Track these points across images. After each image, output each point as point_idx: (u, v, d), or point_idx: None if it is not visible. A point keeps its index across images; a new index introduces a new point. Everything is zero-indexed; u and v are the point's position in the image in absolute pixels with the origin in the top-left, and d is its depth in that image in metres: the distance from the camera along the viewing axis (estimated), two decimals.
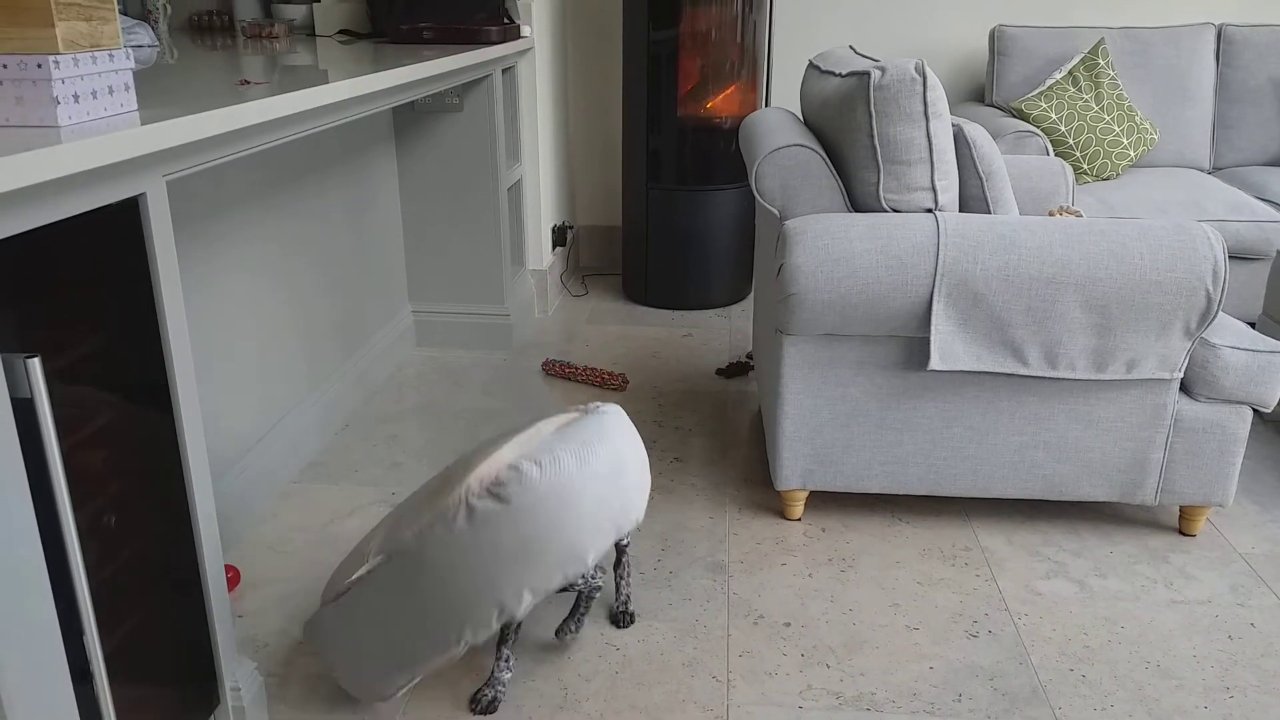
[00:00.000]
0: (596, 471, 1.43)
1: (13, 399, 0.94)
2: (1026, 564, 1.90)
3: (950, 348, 1.80)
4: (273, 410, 2.18)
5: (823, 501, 2.11)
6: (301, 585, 1.84)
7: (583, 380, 2.76)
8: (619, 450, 1.50)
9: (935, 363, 1.80)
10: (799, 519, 2.05)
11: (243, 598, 1.79)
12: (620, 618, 1.72)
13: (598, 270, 3.85)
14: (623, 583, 1.73)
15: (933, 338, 1.79)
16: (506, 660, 1.53)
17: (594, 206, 3.87)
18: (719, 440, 2.41)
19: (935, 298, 1.77)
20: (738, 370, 2.79)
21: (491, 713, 1.52)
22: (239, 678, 1.40)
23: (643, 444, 1.62)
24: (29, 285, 1.00)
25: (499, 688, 1.53)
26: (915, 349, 1.85)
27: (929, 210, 1.86)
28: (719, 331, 3.18)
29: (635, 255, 3.43)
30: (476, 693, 1.54)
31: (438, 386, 2.74)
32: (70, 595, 1.05)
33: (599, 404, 1.63)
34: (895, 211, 1.87)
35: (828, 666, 1.61)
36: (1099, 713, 1.51)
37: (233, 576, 1.84)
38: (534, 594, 1.38)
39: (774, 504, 2.11)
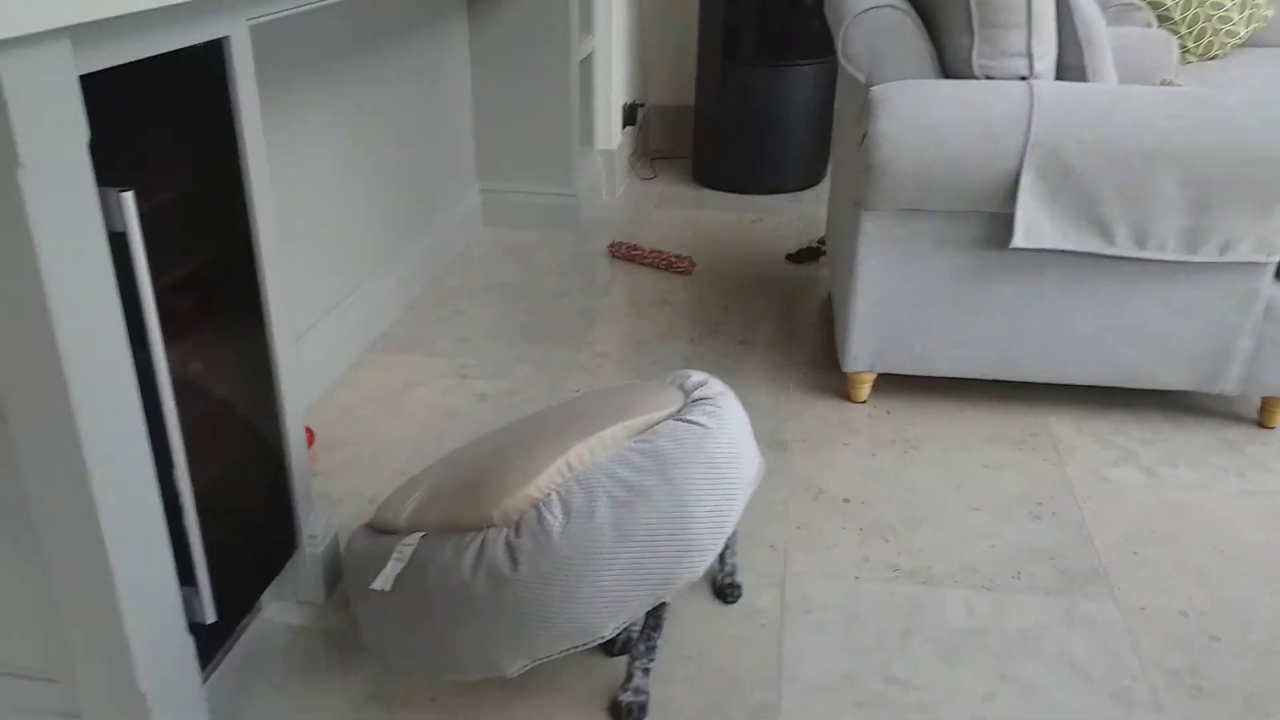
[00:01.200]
0: (642, 525, 1.15)
1: (108, 233, 0.97)
2: (1095, 451, 1.87)
3: (1035, 224, 1.74)
4: (344, 281, 2.22)
5: (889, 386, 2.09)
6: (372, 450, 1.89)
7: (649, 263, 2.75)
8: (694, 481, 1.20)
9: (1018, 240, 1.75)
10: (864, 402, 2.04)
11: (316, 458, 1.86)
12: (726, 591, 1.49)
13: (666, 154, 3.78)
14: (728, 552, 1.50)
15: (1018, 213, 1.73)
16: (644, 664, 1.29)
17: (665, 85, 3.78)
18: (786, 324, 2.39)
19: (1024, 170, 1.70)
20: (808, 256, 2.75)
21: (642, 718, 1.28)
22: (315, 527, 1.46)
23: (750, 457, 1.31)
24: (120, 123, 1.01)
25: (640, 695, 1.29)
26: (998, 226, 1.79)
27: (1023, 78, 1.77)
28: (790, 217, 3.12)
29: (707, 136, 3.36)
30: (615, 702, 1.30)
31: (505, 265, 2.76)
32: (161, 434, 1.09)
33: (709, 388, 1.36)
34: (988, 79, 1.78)
35: (886, 541, 1.62)
36: (1159, 594, 1.50)
37: (308, 437, 1.91)
38: (532, 660, 1.18)
39: (839, 387, 2.10)
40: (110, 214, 1.00)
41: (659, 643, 1.29)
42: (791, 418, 1.98)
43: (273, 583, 1.43)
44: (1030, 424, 1.96)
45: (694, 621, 1.45)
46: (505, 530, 1.17)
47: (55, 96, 0.89)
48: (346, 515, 1.69)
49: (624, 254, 2.79)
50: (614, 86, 3.19)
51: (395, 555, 1.22)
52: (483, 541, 1.16)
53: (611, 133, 3.22)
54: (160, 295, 1.08)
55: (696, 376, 1.41)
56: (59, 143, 0.90)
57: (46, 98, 0.88)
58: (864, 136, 1.77)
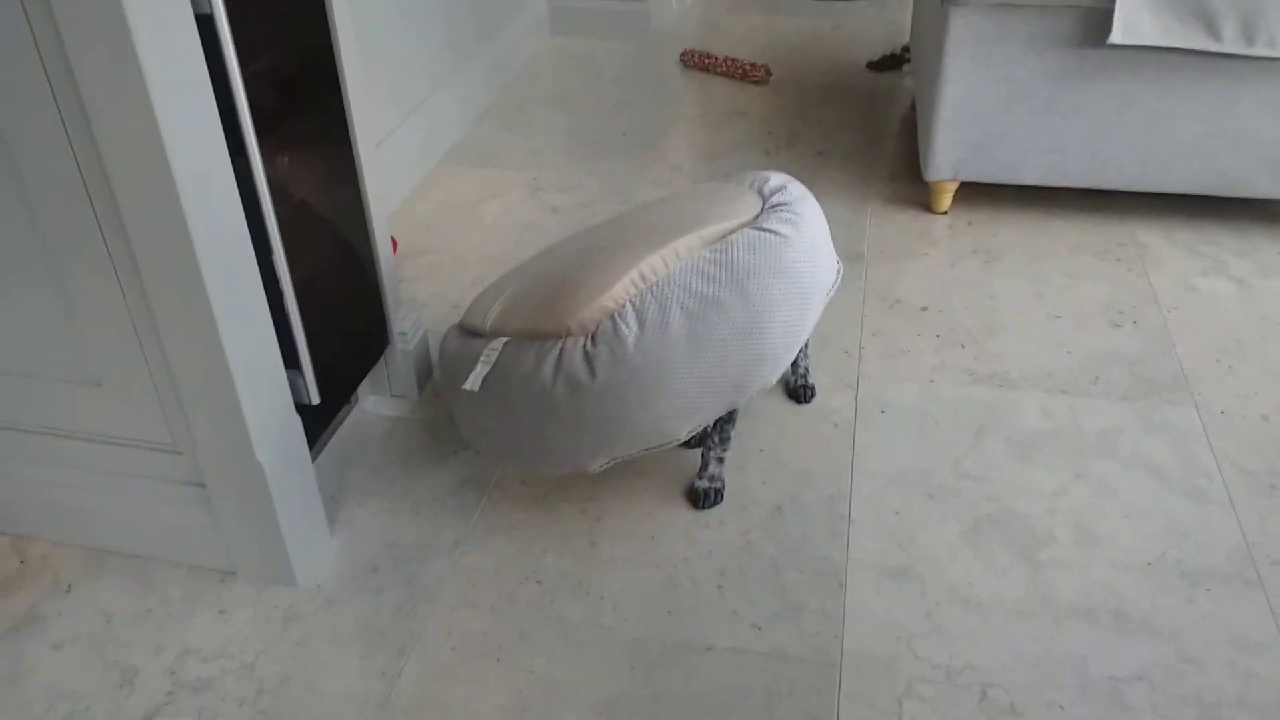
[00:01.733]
0: (716, 335, 1.17)
1: (195, 15, 0.97)
2: (1185, 261, 1.82)
3: (1135, 18, 1.64)
4: (414, 93, 2.19)
5: (971, 196, 2.04)
6: (452, 257, 1.93)
7: (723, 72, 2.66)
8: (769, 291, 1.20)
9: (1117, 35, 1.65)
10: (945, 212, 1.99)
11: (400, 264, 1.90)
12: (800, 392, 1.52)
13: None
14: (801, 355, 1.51)
15: (1117, 6, 1.63)
16: (719, 453, 1.35)
17: None
18: (865, 135, 2.32)
19: None
20: (890, 64, 2.63)
21: (717, 503, 1.35)
22: (405, 325, 1.51)
23: (827, 264, 1.31)
24: None
25: (715, 482, 1.35)
26: (1094, 21, 1.69)
27: None
28: (871, 23, 2.98)
29: None
30: (692, 488, 1.36)
31: (573, 76, 2.70)
32: (258, 220, 1.13)
33: (788, 193, 1.33)
34: None
35: (963, 347, 1.63)
36: (1241, 401, 1.50)
37: (392, 244, 1.94)
38: (612, 459, 1.22)
39: (920, 198, 2.05)
40: None
41: (732, 434, 1.34)
42: (870, 229, 1.96)
43: (368, 377, 1.50)
44: (1117, 234, 1.91)
45: (768, 418, 1.49)
46: (583, 339, 1.19)
47: None
48: (431, 318, 1.74)
49: (696, 63, 2.70)
50: None
51: (483, 358, 1.26)
52: (561, 350, 1.19)
53: None
54: (247, 83, 1.09)
55: (775, 180, 1.38)
56: None
57: None
58: None
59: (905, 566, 1.25)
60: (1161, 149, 1.80)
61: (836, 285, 1.35)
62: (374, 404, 1.54)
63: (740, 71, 2.62)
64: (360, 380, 1.43)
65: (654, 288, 1.19)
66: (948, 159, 1.89)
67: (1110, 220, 1.95)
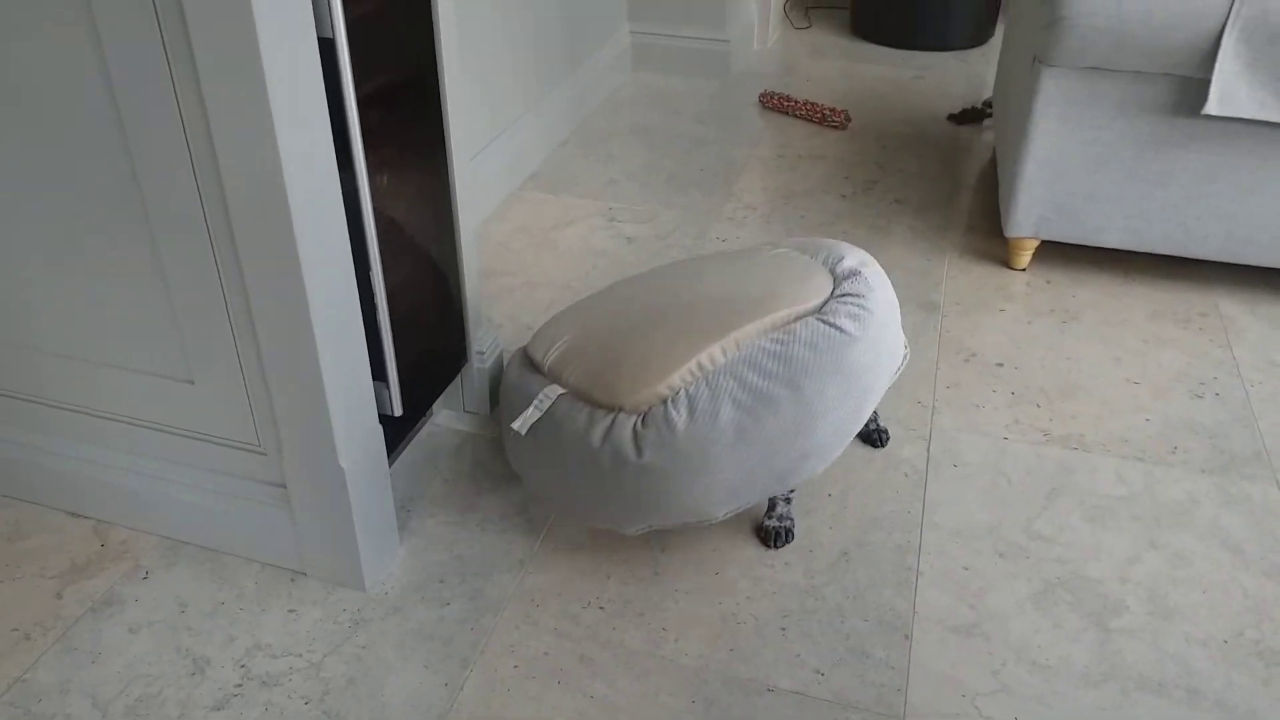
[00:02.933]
0: (765, 432, 1.17)
1: (319, 38, 1.01)
2: (1269, 335, 1.79)
3: (1232, 90, 1.63)
4: (499, 118, 2.24)
5: (1051, 255, 2.03)
6: (526, 280, 1.96)
7: (801, 115, 2.68)
8: (824, 392, 1.20)
9: (1212, 106, 1.64)
10: (1024, 269, 1.99)
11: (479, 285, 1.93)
12: (875, 437, 1.51)
13: (823, 4, 3.62)
14: None
15: (1214, 77, 1.62)
16: (787, 494, 1.35)
17: None
18: (943, 186, 2.32)
19: (1227, 32, 1.58)
20: (972, 117, 2.63)
21: (788, 542, 1.35)
22: (483, 344, 1.53)
23: (891, 356, 1.30)
24: None
25: (785, 521, 1.35)
26: (1190, 91, 1.69)
27: None
28: (954, 76, 2.98)
29: None
30: (761, 526, 1.36)
31: (653, 110, 2.74)
32: (360, 237, 1.16)
33: (859, 281, 1.30)
34: None
35: (1038, 406, 1.61)
36: None
37: None
38: (649, 528, 1.25)
39: (998, 253, 2.04)
40: (320, 19, 1.04)
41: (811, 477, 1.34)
42: (946, 280, 1.96)
43: (444, 393, 1.53)
44: (1198, 303, 1.88)
45: (839, 464, 1.49)
46: (634, 418, 1.20)
47: None
48: (506, 338, 1.77)
49: (775, 104, 2.73)
50: None
51: (536, 403, 1.27)
52: (612, 422, 1.21)
53: None
54: (358, 103, 1.13)
55: (850, 260, 1.35)
56: None
57: None
58: None
59: (973, 624, 1.24)
60: (1248, 220, 1.78)
61: (902, 369, 1.35)
62: (447, 419, 1.57)
63: (819, 115, 2.64)
64: (439, 395, 1.46)
65: (710, 376, 1.20)
66: (1029, 217, 1.89)
67: (1192, 289, 1.92)
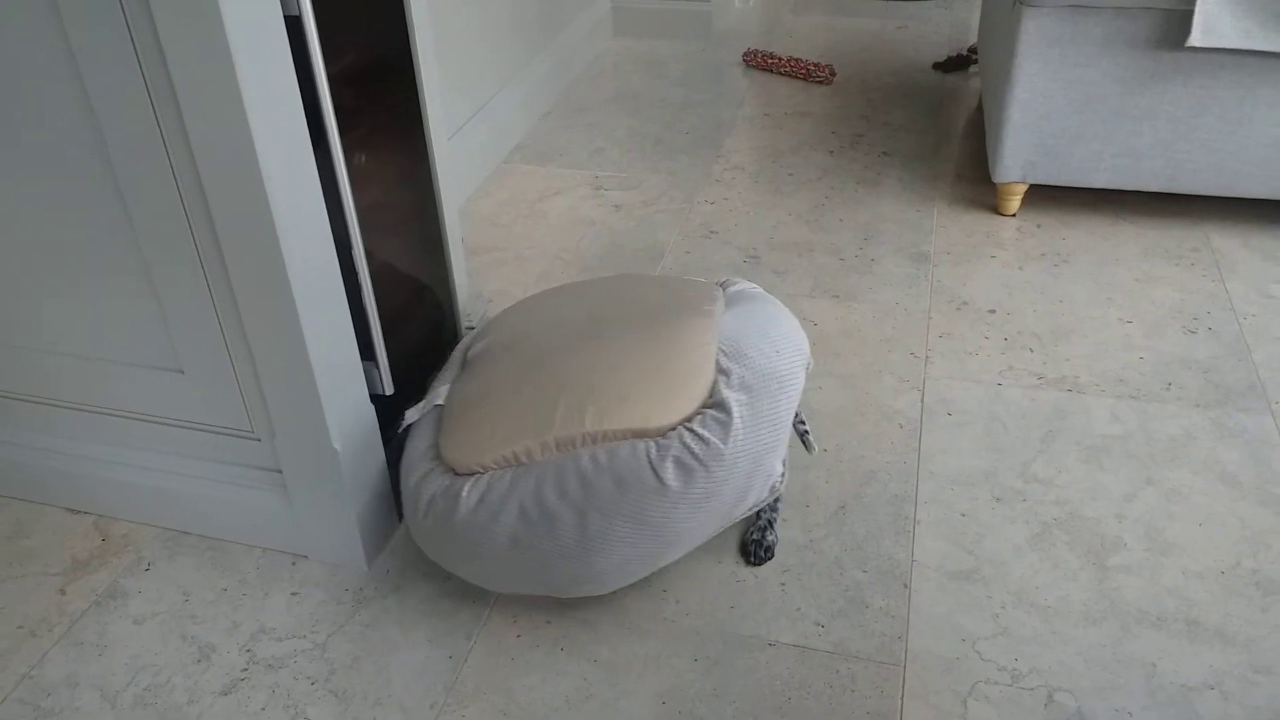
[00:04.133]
0: (537, 548, 1.11)
1: (285, 17, 1.00)
2: (1261, 267, 1.78)
3: (1216, 21, 1.61)
4: (479, 92, 2.23)
5: (1040, 198, 2.02)
6: (516, 253, 1.95)
7: (786, 72, 2.66)
8: (613, 532, 1.10)
9: (1196, 38, 1.62)
10: (1013, 215, 1.97)
11: (466, 261, 1.93)
12: (751, 548, 1.28)
13: None
14: (766, 507, 1.31)
15: (1197, 8, 1.60)
16: (769, 516, 1.29)
17: None
18: (931, 136, 2.31)
19: None
20: (957, 64, 2.61)
21: (768, 559, 1.27)
22: (473, 319, 1.53)
23: (741, 497, 1.15)
24: None
25: (768, 537, 1.27)
26: (1173, 23, 1.66)
27: None
28: (938, 24, 2.95)
29: None
30: (743, 541, 1.29)
31: (635, 76, 2.71)
32: (339, 216, 1.16)
33: (736, 402, 1.13)
34: None
35: (1031, 351, 1.61)
36: None
37: None
38: (601, 589, 1.17)
39: (987, 199, 2.03)
40: None
41: (782, 493, 1.31)
42: (936, 230, 1.94)
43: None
44: (1190, 239, 1.87)
45: (832, 417, 1.49)
46: (465, 482, 1.14)
47: None
48: (497, 312, 1.77)
49: (759, 63, 2.70)
50: None
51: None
52: (449, 480, 1.15)
53: None
54: (330, 81, 1.12)
55: (737, 374, 1.16)
56: None
57: None
58: None
59: (971, 569, 1.24)
60: (1237, 153, 1.76)
61: (770, 498, 1.19)
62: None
63: (804, 71, 2.62)
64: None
65: (515, 473, 1.12)
66: (1017, 161, 1.87)
67: (1183, 225, 1.91)
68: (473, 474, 1.14)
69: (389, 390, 1.28)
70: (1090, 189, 2.02)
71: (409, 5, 1.27)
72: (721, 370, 1.17)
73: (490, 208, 2.12)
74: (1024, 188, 1.93)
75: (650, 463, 1.09)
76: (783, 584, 1.23)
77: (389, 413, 1.38)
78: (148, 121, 1.01)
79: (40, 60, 1.01)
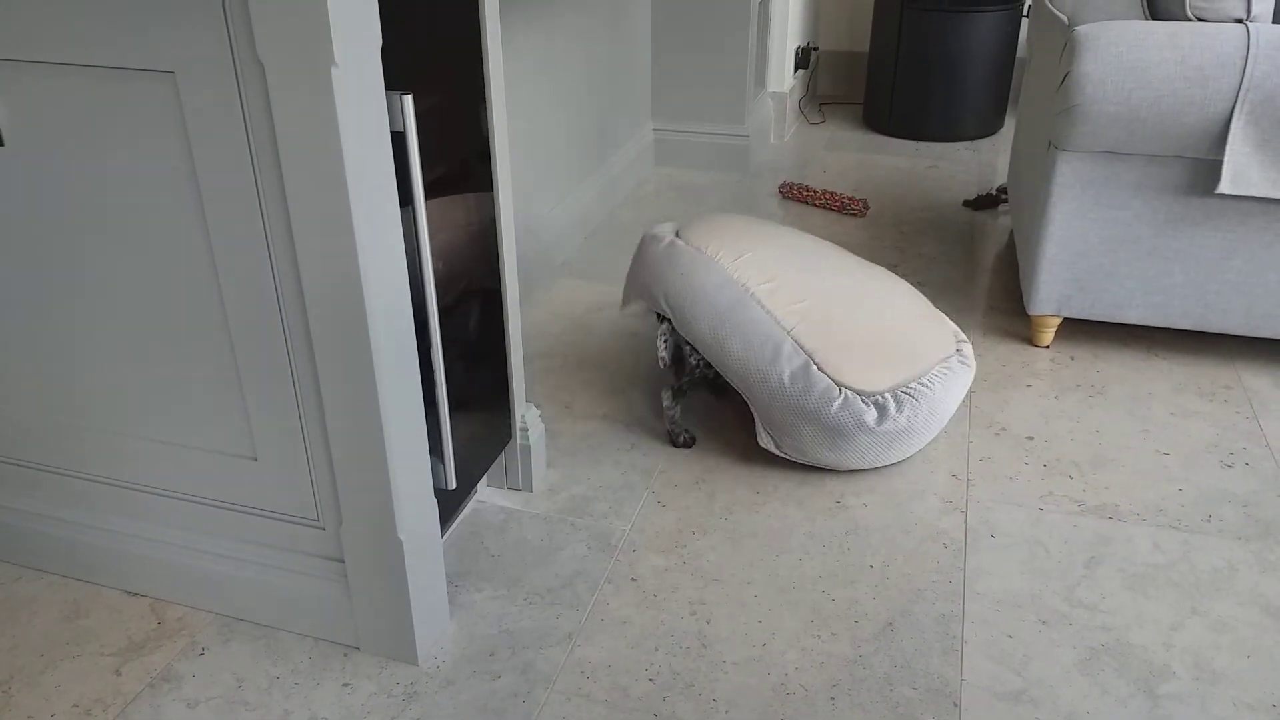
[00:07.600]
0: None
1: (391, 131, 1.09)
2: None
3: (1244, 170, 1.70)
4: (531, 211, 2.34)
5: (1073, 332, 2.08)
6: (564, 362, 2.01)
7: (821, 204, 2.77)
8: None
9: (1225, 186, 1.71)
10: (1047, 346, 2.03)
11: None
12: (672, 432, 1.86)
13: (836, 99, 3.77)
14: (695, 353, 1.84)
15: (1226, 159, 1.69)
16: (672, 402, 1.76)
17: (837, 29, 3.75)
18: (963, 269, 2.39)
19: (1236, 115, 1.66)
20: (987, 203, 2.72)
21: (689, 447, 1.76)
22: (527, 421, 1.58)
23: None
24: (397, 32, 1.13)
25: (673, 425, 1.76)
26: (1203, 172, 1.76)
27: (1239, 20, 1.72)
28: (967, 164, 3.09)
29: (881, 80, 3.33)
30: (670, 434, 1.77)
31: (676, 202, 2.83)
32: (422, 317, 1.22)
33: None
34: (1200, 20, 1.74)
35: (1070, 478, 1.64)
36: None
37: None
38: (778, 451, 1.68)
39: (1021, 331, 2.09)
40: (393, 114, 1.12)
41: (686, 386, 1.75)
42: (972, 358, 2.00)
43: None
44: (1222, 376, 1.92)
45: (879, 534, 1.51)
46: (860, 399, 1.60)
47: (358, 3, 1.00)
48: (547, 416, 1.81)
49: (795, 195, 2.82)
50: (789, 29, 3.20)
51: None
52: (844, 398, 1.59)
53: (784, 75, 3.23)
54: (425, 190, 1.20)
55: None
56: (359, 45, 1.01)
57: (352, 3, 0.99)
58: (1065, 77, 1.75)
59: (1020, 690, 1.24)
60: (1266, 295, 1.83)
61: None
62: (490, 494, 1.60)
63: (838, 204, 2.73)
64: (486, 469, 1.50)
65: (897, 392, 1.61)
66: (1052, 295, 1.94)
67: (1215, 362, 1.96)
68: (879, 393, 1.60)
69: (452, 485, 1.32)
70: (1123, 324, 2.08)
71: (492, 129, 1.37)
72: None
73: (540, 317, 2.19)
74: (1058, 320, 1.99)
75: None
76: (832, 698, 1.24)
77: (445, 509, 1.42)
78: (254, 220, 1.09)
79: (164, 175, 1.09)
